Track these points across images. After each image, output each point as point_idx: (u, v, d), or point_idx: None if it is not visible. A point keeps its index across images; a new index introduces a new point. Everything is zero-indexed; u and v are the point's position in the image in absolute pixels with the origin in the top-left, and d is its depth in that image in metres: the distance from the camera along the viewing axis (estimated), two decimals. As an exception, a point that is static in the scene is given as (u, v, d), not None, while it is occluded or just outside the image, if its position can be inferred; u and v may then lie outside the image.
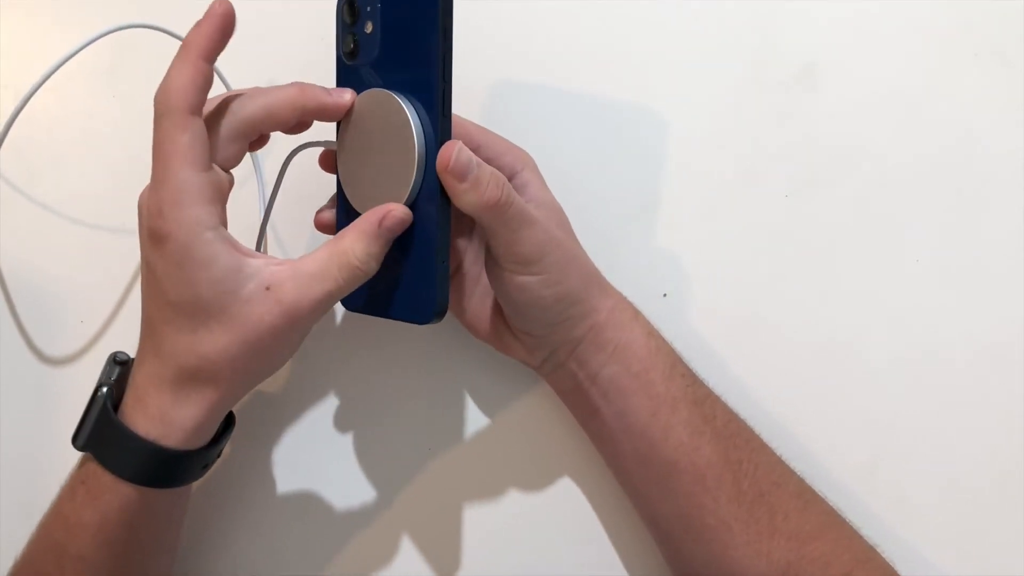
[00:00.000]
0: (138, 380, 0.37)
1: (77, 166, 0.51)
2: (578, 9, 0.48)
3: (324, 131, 0.41)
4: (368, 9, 0.38)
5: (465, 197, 0.36)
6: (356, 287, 0.36)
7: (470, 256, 0.43)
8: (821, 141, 0.46)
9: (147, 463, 0.36)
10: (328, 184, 0.42)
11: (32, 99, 0.44)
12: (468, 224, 0.43)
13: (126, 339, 0.49)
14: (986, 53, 0.46)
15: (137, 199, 0.38)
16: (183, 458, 0.37)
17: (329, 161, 0.41)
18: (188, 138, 0.34)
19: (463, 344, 0.46)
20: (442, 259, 0.38)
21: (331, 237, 0.38)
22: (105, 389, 0.37)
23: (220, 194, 0.36)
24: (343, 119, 0.39)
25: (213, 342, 0.35)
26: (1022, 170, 0.45)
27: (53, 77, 0.43)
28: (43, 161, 0.51)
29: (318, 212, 0.42)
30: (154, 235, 0.35)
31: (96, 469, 0.37)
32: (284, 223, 0.48)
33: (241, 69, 0.46)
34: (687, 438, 0.39)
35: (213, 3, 0.36)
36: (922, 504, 0.44)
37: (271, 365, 0.38)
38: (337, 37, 0.40)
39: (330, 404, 0.48)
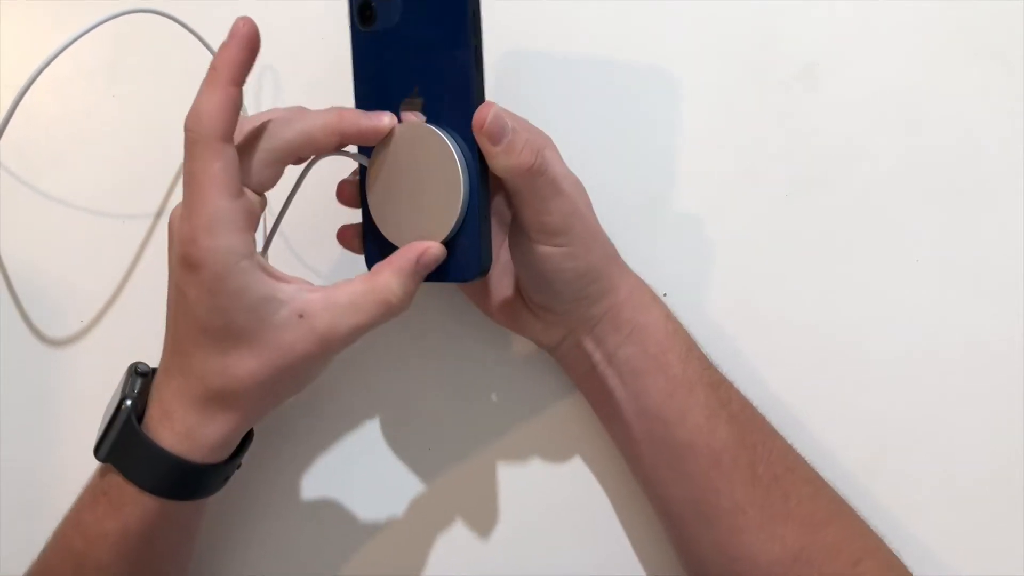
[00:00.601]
0: (164, 396, 0.37)
1: (77, 165, 0.51)
2: (578, 10, 0.48)
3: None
4: None
5: (498, 160, 0.37)
6: (387, 321, 0.37)
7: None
8: (821, 141, 0.46)
9: (172, 477, 0.37)
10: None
11: (32, 98, 0.44)
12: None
13: (125, 336, 0.49)
14: (986, 53, 0.46)
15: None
16: (207, 471, 0.38)
17: (347, 194, 0.41)
18: (221, 166, 0.34)
19: (469, 341, 0.47)
20: (484, 217, 0.38)
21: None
22: (129, 403, 0.37)
23: (253, 219, 0.36)
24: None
25: (243, 366, 0.35)
26: (1022, 170, 0.45)
27: (52, 76, 0.43)
28: (43, 160, 0.51)
29: (341, 228, 0.42)
30: (187, 262, 0.35)
31: (118, 481, 0.37)
32: (292, 218, 0.48)
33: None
34: (704, 420, 0.40)
35: (236, 23, 0.36)
36: (927, 499, 0.44)
37: (296, 388, 0.39)
38: (350, 3, 0.38)
39: (335, 402, 0.48)
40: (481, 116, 0.36)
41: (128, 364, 0.40)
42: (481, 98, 0.38)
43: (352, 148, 0.39)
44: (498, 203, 0.43)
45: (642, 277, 0.44)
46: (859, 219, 0.46)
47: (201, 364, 0.36)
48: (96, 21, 0.44)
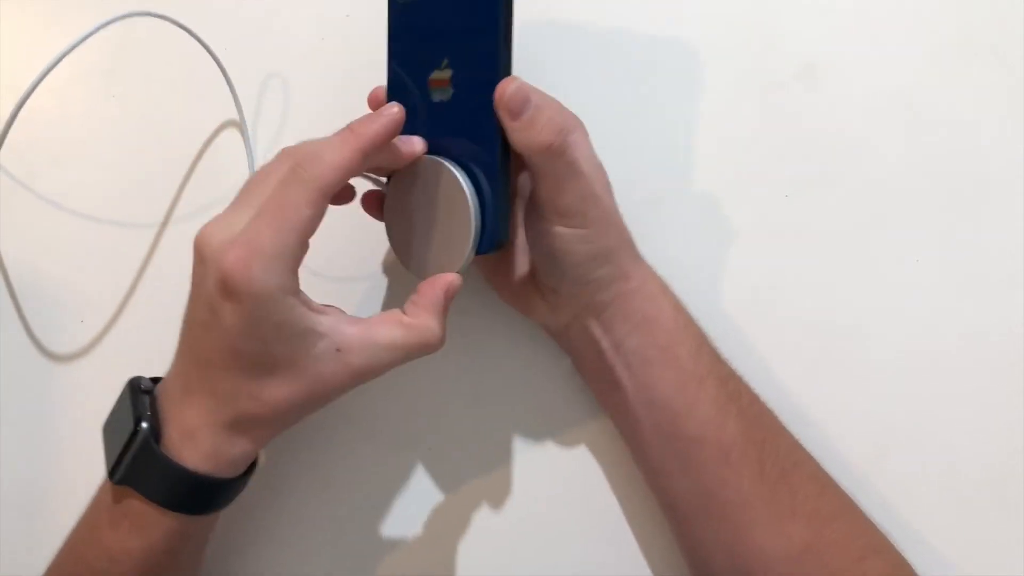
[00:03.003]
0: (186, 417, 0.37)
1: (77, 167, 0.51)
2: (578, 11, 0.48)
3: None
4: None
5: (517, 135, 0.37)
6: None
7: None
8: (821, 140, 0.46)
9: (196, 495, 0.37)
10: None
11: (32, 100, 0.44)
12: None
13: (127, 339, 0.49)
14: (986, 53, 0.46)
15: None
16: (231, 485, 0.38)
17: (372, 205, 0.42)
18: (311, 214, 0.35)
19: (472, 338, 0.47)
20: (503, 193, 0.39)
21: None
22: (145, 425, 0.37)
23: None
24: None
25: (277, 390, 0.36)
26: (1022, 170, 0.45)
27: (52, 78, 0.43)
28: (43, 161, 0.51)
29: (366, 193, 0.42)
30: (230, 289, 0.34)
31: (139, 502, 0.37)
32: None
33: (249, 60, 0.45)
34: (714, 414, 0.40)
35: (392, 106, 0.37)
36: (931, 498, 0.44)
37: (322, 407, 0.40)
38: None
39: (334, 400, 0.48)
40: (501, 89, 0.37)
41: (124, 370, 0.40)
42: (507, 73, 0.38)
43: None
44: (523, 180, 0.43)
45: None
46: (859, 219, 0.46)
47: (231, 386, 0.36)
48: (95, 27, 0.43)
